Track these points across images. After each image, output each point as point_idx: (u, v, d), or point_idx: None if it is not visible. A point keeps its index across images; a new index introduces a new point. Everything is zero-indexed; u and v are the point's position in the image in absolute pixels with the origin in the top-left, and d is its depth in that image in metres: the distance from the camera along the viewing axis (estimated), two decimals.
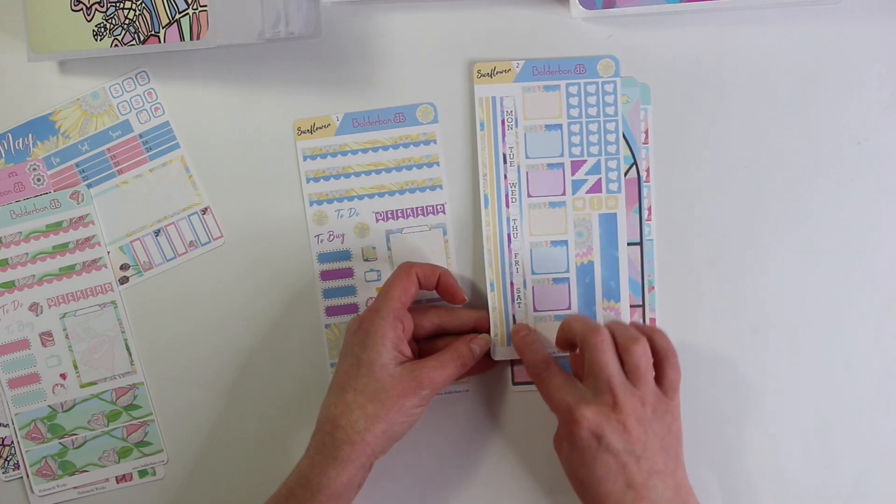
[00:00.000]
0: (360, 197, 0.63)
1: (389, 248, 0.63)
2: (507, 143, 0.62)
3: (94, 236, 0.63)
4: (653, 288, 0.63)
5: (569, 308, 0.62)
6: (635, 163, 0.62)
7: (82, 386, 0.64)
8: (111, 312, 0.64)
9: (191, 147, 0.64)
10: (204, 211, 0.64)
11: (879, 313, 0.62)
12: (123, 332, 0.64)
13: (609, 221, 0.62)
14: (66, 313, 0.64)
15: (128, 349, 0.64)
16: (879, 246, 0.62)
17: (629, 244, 0.62)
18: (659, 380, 0.56)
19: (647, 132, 0.62)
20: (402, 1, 0.62)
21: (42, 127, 0.64)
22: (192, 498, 0.66)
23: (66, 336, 0.64)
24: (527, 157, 0.62)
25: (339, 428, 0.55)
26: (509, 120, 0.61)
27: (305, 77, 0.63)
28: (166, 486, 0.66)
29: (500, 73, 0.61)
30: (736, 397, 0.63)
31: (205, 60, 0.63)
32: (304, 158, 0.63)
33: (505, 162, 0.62)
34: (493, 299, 0.62)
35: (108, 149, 0.64)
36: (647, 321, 0.63)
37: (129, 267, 0.65)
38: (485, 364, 0.61)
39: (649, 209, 0.62)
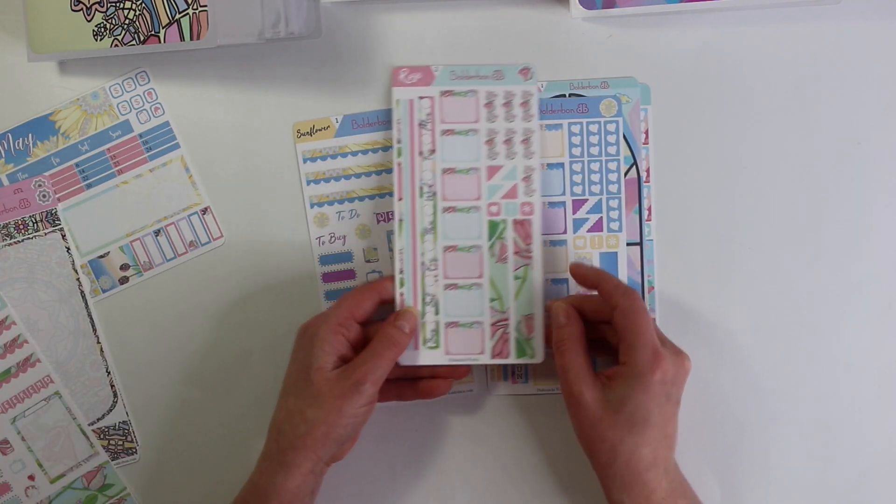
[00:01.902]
0: (361, 198, 0.63)
1: (391, 249, 0.63)
2: None
3: (18, 336, 0.64)
4: (652, 288, 0.63)
5: None
6: (635, 163, 0.62)
7: (52, 481, 0.65)
8: (58, 403, 0.64)
9: (191, 147, 0.64)
10: (204, 211, 0.64)
11: (879, 313, 0.62)
12: (74, 418, 0.65)
13: (610, 260, 0.62)
14: (15, 417, 0.64)
15: (84, 433, 0.64)
16: (879, 246, 0.62)
17: (629, 244, 0.62)
18: None
19: (647, 132, 0.62)
20: (402, 1, 0.62)
21: (42, 127, 0.64)
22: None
23: (23, 438, 0.64)
24: None
25: (282, 434, 0.55)
26: None
27: (305, 77, 0.63)
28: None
29: None
30: (736, 397, 0.63)
31: (205, 60, 0.63)
32: (304, 161, 0.63)
33: None
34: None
35: (108, 149, 0.64)
36: None
37: (129, 267, 0.65)
38: (461, 370, 0.61)
39: (649, 209, 0.62)
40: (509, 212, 0.60)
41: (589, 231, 0.62)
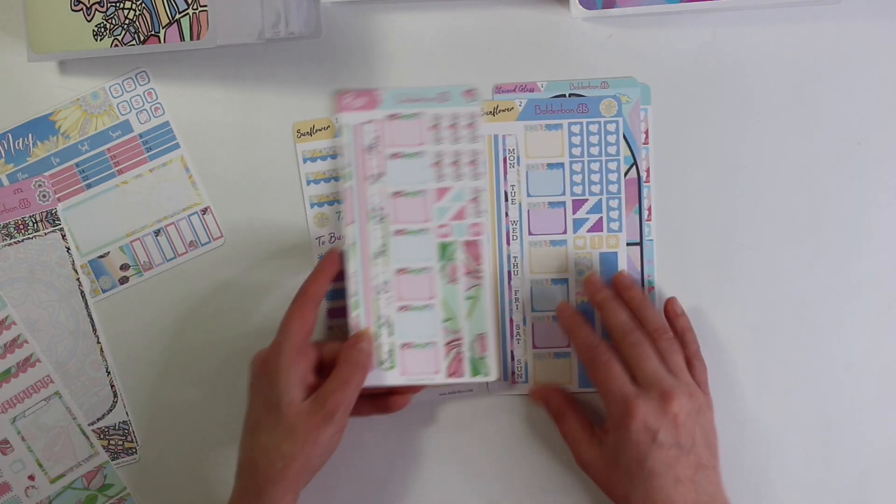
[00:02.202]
0: None
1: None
2: (509, 181, 0.62)
3: (18, 336, 0.64)
4: (652, 288, 0.63)
5: (568, 346, 0.63)
6: (635, 163, 0.62)
7: (52, 481, 0.65)
8: (58, 403, 0.64)
9: (191, 147, 0.64)
10: (204, 211, 0.64)
11: (879, 313, 0.62)
12: (74, 418, 0.65)
13: (609, 260, 0.62)
14: (15, 417, 0.64)
15: (84, 433, 0.64)
16: (879, 246, 0.62)
17: (629, 244, 0.62)
18: (692, 374, 0.57)
19: (647, 132, 0.62)
20: (402, 1, 0.62)
21: (42, 127, 0.64)
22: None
23: (23, 438, 0.64)
24: (528, 195, 0.62)
25: (258, 470, 0.55)
26: (511, 158, 0.62)
27: (305, 77, 0.63)
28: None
29: (503, 111, 0.62)
30: (736, 397, 0.63)
31: (205, 60, 0.63)
32: (304, 161, 0.63)
33: (506, 200, 0.62)
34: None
35: (108, 149, 0.64)
36: None
37: (129, 267, 0.65)
38: (418, 386, 0.62)
39: (649, 209, 0.62)
40: (458, 233, 0.61)
41: (589, 231, 0.62)
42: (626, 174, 0.62)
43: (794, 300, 0.62)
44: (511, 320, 0.62)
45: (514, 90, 0.62)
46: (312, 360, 0.58)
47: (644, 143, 0.62)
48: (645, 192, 0.62)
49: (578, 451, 0.58)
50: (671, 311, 0.61)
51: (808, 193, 0.62)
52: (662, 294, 0.63)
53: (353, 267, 0.61)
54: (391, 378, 0.61)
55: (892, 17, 0.61)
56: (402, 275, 0.61)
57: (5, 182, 0.64)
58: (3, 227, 0.64)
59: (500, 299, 0.62)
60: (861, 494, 0.63)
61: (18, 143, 0.64)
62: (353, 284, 0.61)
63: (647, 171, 0.62)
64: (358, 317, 0.61)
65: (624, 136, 0.62)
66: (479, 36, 0.62)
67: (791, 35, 0.61)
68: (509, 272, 0.62)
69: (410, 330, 0.61)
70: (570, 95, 0.62)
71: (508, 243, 0.62)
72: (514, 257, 0.62)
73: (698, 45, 0.62)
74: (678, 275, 0.63)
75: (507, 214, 0.62)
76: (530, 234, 0.62)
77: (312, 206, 0.63)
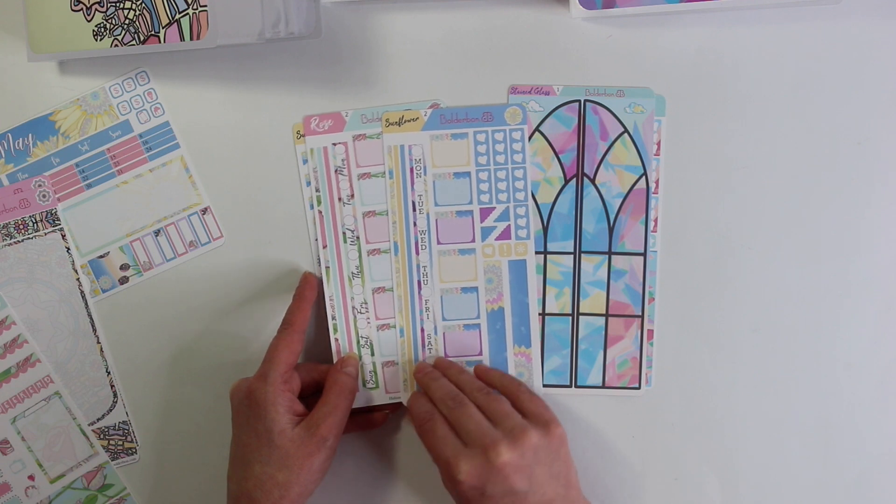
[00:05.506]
0: None
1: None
2: (416, 190, 0.62)
3: (18, 336, 0.64)
4: (653, 300, 0.62)
5: (480, 354, 0.63)
6: (645, 173, 0.62)
7: (52, 481, 0.65)
8: (58, 403, 0.64)
9: (191, 147, 0.64)
10: (204, 211, 0.64)
11: (879, 313, 0.62)
12: (74, 418, 0.65)
13: (519, 268, 0.62)
14: (15, 417, 0.64)
15: (84, 433, 0.64)
16: (879, 246, 0.62)
17: (632, 254, 0.62)
18: (524, 416, 0.56)
19: (658, 144, 0.62)
20: (402, 1, 0.62)
21: (42, 127, 0.64)
22: None
23: (23, 438, 0.65)
24: (436, 204, 0.62)
25: (255, 501, 0.55)
26: (418, 168, 0.62)
27: (305, 77, 0.63)
28: None
29: (408, 121, 0.61)
30: (736, 397, 0.63)
31: (205, 60, 0.63)
32: (304, 161, 0.63)
33: (414, 210, 0.62)
34: (403, 345, 0.62)
35: (108, 149, 0.64)
36: (645, 332, 0.63)
37: (129, 267, 0.65)
38: (376, 419, 0.63)
39: (655, 220, 0.62)
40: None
41: (497, 239, 0.62)
42: (634, 185, 0.62)
43: (794, 300, 0.62)
44: (422, 330, 0.62)
45: (529, 92, 0.62)
46: (297, 387, 0.59)
47: (655, 155, 0.62)
48: (653, 203, 0.62)
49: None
50: (478, 373, 0.61)
51: (808, 193, 0.62)
52: (664, 292, 0.63)
53: (329, 290, 0.62)
54: (377, 397, 0.62)
55: (892, 17, 0.61)
56: (379, 294, 0.62)
57: (5, 182, 0.64)
58: (3, 227, 0.64)
59: (411, 309, 0.62)
60: (860, 494, 0.63)
61: (18, 143, 0.64)
62: (332, 308, 0.62)
63: (657, 182, 0.62)
64: (339, 340, 0.62)
65: (635, 146, 0.61)
66: (479, 36, 0.62)
67: (791, 35, 0.61)
68: (419, 282, 0.62)
69: (391, 348, 0.62)
70: (586, 102, 0.62)
71: (417, 253, 0.62)
72: (424, 267, 0.62)
73: (698, 44, 0.62)
74: (679, 274, 0.63)
75: (415, 224, 0.62)
76: (439, 243, 0.62)
77: (312, 206, 0.63)
